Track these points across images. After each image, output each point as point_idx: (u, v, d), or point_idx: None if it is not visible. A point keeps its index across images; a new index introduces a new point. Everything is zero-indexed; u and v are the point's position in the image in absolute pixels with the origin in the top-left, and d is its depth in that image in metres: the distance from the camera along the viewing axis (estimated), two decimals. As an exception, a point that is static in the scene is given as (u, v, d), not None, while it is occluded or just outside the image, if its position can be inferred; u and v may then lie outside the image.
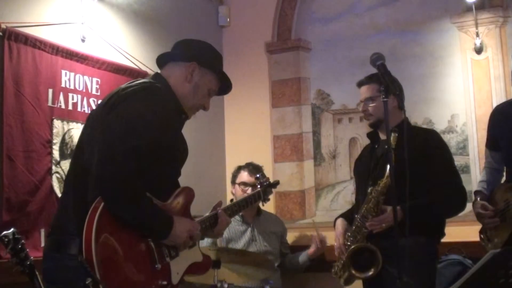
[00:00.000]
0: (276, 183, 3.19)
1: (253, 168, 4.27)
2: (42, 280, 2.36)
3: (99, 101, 3.90)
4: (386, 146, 3.15)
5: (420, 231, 3.02)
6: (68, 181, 2.43)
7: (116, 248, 2.17)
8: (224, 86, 2.66)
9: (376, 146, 3.42)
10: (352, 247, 3.20)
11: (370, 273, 3.14)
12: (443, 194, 3.24)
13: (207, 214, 2.62)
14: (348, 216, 3.46)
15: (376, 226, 3.13)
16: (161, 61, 2.61)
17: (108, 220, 2.16)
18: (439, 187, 3.23)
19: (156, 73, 2.58)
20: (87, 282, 2.07)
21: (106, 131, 2.22)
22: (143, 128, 2.22)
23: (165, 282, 2.31)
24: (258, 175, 3.16)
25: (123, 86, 2.41)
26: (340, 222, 3.43)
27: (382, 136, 3.41)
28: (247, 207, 2.98)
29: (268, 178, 3.14)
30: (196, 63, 2.52)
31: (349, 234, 3.28)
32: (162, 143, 2.30)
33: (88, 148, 2.28)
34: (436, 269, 3.39)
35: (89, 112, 3.86)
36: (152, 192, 2.28)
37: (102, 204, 2.15)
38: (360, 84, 3.43)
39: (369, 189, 3.20)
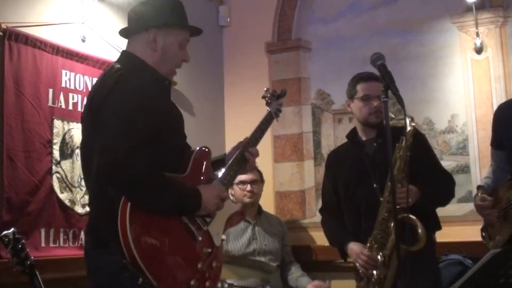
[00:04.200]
0: (283, 93, 3.02)
1: None
2: (87, 276, 2.37)
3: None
4: (378, 142, 3.22)
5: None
6: (88, 187, 2.42)
7: (156, 239, 2.18)
8: (194, 29, 2.60)
9: (362, 148, 3.40)
10: (399, 216, 2.96)
11: (421, 244, 3.03)
12: (441, 180, 3.35)
13: (230, 160, 2.61)
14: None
15: (403, 197, 2.94)
16: (123, 36, 2.58)
17: (139, 217, 2.15)
18: (434, 175, 3.32)
19: (123, 51, 2.53)
20: (139, 283, 2.10)
21: (103, 135, 2.20)
22: (138, 118, 2.21)
23: (209, 250, 2.34)
24: (263, 95, 2.98)
25: (100, 82, 2.39)
26: (352, 244, 3.27)
27: (366, 136, 3.40)
28: (266, 130, 2.92)
29: (274, 91, 3.00)
30: (155, 29, 2.46)
31: (374, 233, 3.16)
32: (159, 121, 2.29)
33: (92, 152, 2.25)
34: (437, 260, 3.45)
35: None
36: (168, 167, 2.28)
37: (129, 203, 2.14)
38: (374, 78, 3.30)
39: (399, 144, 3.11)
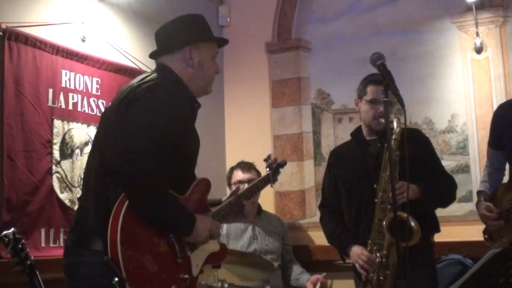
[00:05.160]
0: (283, 163, 3.12)
1: (245, 165, 4.30)
2: (65, 274, 2.37)
3: (100, 101, 3.91)
4: (383, 143, 3.19)
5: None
6: (88, 181, 2.42)
7: (141, 246, 2.21)
8: (221, 39, 2.69)
9: (366, 147, 3.40)
10: (386, 219, 3.08)
11: (417, 239, 3.03)
12: (442, 181, 3.36)
13: (226, 200, 2.66)
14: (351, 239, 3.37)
15: (401, 192, 2.96)
16: (155, 56, 2.60)
17: (132, 219, 2.17)
18: (436, 176, 3.33)
19: (160, 64, 2.54)
20: (113, 282, 2.11)
21: (124, 129, 2.22)
22: (162, 125, 2.24)
23: (186, 276, 2.34)
24: (265, 158, 3.09)
25: (135, 83, 2.39)
26: (355, 248, 3.28)
27: (370, 136, 3.41)
28: (262, 189, 3.00)
29: (275, 159, 3.09)
30: (189, 46, 2.51)
31: (372, 235, 3.18)
32: (179, 138, 2.33)
33: (104, 147, 2.27)
34: (434, 262, 3.46)
35: (89, 112, 3.87)
36: (170, 185, 2.29)
37: (126, 204, 2.16)
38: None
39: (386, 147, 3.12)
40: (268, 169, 3.04)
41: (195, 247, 2.39)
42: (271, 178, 3.01)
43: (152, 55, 2.62)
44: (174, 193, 2.32)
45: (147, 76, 2.44)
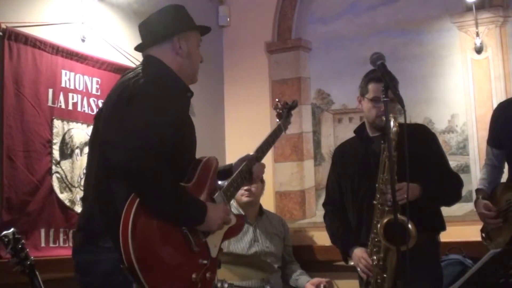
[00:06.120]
0: (295, 104, 3.08)
1: None
2: (76, 272, 2.37)
3: (100, 101, 3.91)
4: (382, 142, 3.18)
5: (425, 227, 3.07)
6: (89, 182, 2.42)
7: (155, 246, 2.19)
8: (204, 28, 2.67)
9: (370, 144, 3.39)
10: (380, 223, 3.08)
11: (414, 241, 2.99)
12: (447, 179, 3.32)
13: (237, 169, 2.66)
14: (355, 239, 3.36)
15: (401, 193, 2.92)
16: (141, 49, 2.60)
17: (143, 219, 2.16)
18: (442, 174, 3.31)
19: (148, 56, 2.54)
20: None
21: (127, 127, 2.21)
22: (163, 118, 2.24)
23: (205, 261, 2.34)
24: (274, 106, 3.05)
25: (130, 79, 2.37)
26: (357, 250, 3.26)
27: (373, 134, 3.40)
28: (274, 143, 2.97)
29: (285, 103, 3.05)
30: (177, 36, 2.51)
31: (371, 236, 3.16)
32: (180, 128, 2.34)
33: (107, 146, 2.26)
34: (440, 262, 3.44)
35: (89, 112, 3.86)
36: (177, 175, 2.31)
37: (135, 205, 2.14)
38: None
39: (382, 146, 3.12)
40: (278, 119, 3.00)
41: (209, 232, 2.39)
42: (283, 126, 2.98)
43: (138, 48, 2.61)
44: (182, 184, 2.32)
45: (139, 70, 2.42)
